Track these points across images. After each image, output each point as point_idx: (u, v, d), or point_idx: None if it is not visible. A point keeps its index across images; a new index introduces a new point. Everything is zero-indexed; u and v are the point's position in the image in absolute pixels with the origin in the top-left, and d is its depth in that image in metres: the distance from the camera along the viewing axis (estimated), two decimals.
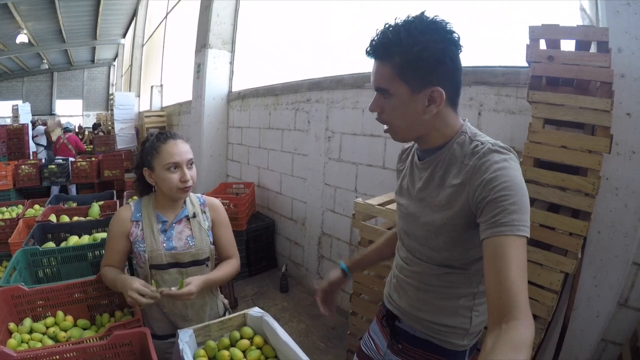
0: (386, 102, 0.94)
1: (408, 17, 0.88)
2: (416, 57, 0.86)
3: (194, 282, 1.31)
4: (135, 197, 1.57)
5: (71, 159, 6.02)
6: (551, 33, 1.65)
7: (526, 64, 1.78)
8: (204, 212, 1.52)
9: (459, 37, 0.88)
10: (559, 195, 1.58)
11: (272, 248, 4.24)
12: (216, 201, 1.58)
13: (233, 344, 1.34)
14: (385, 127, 1.00)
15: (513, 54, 2.15)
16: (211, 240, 1.50)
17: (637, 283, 1.83)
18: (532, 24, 1.67)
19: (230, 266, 1.53)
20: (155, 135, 1.41)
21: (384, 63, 0.90)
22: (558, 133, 1.64)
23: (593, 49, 1.66)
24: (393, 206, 1.98)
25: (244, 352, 1.30)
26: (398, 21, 0.88)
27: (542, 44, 1.68)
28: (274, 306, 3.39)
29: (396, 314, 1.17)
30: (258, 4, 4.88)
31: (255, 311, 1.40)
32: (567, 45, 1.69)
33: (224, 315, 1.55)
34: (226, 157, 5.36)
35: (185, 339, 1.23)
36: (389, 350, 1.20)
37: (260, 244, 4.08)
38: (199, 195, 1.57)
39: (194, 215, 1.48)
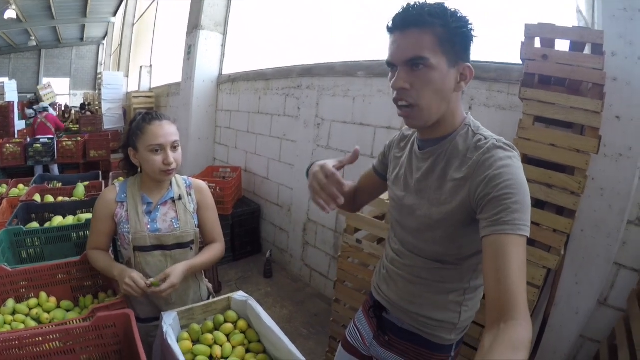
0: (419, 76, 0.87)
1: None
2: (457, 30, 0.86)
3: (173, 272, 1.30)
4: (122, 179, 1.55)
5: (52, 136, 5.91)
6: (547, 32, 1.65)
7: (519, 62, 1.78)
8: (190, 195, 1.50)
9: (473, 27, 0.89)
10: (545, 192, 1.60)
11: (257, 233, 4.24)
12: (202, 183, 1.57)
13: (217, 327, 1.34)
14: (404, 108, 0.91)
15: (506, 51, 2.15)
16: (196, 223, 1.49)
17: (617, 283, 1.87)
18: (528, 22, 1.67)
19: (214, 251, 1.52)
20: (141, 115, 1.39)
21: (425, 31, 0.85)
22: (547, 131, 1.65)
23: (587, 50, 1.68)
24: (381, 195, 1.98)
25: (227, 335, 1.31)
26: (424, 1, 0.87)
27: (537, 43, 1.69)
28: (257, 291, 3.39)
29: (384, 305, 1.16)
30: None
31: (240, 295, 1.41)
32: (561, 46, 1.70)
33: (208, 299, 1.54)
34: (214, 141, 5.32)
35: (169, 321, 1.23)
36: (375, 342, 1.20)
37: (246, 229, 4.07)
38: (185, 177, 1.56)
39: (180, 198, 1.46)
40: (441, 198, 0.94)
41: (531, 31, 1.66)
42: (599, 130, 1.54)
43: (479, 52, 2.19)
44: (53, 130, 6.65)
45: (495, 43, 2.25)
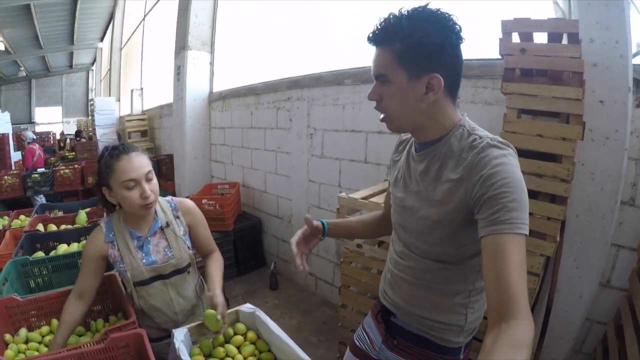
0: (385, 89, 0.93)
1: (411, 8, 0.88)
2: (416, 43, 0.85)
3: (215, 297, 1.32)
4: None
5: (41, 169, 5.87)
6: (523, 26, 1.69)
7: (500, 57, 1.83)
8: (177, 218, 1.48)
9: (460, 29, 0.87)
10: (536, 182, 1.63)
11: (260, 246, 4.25)
12: (188, 202, 1.54)
13: (227, 340, 1.36)
14: (382, 115, 0.98)
15: (488, 48, 2.19)
16: (189, 245, 1.48)
17: (618, 264, 1.90)
18: (504, 18, 1.71)
19: (219, 262, 1.54)
20: (107, 152, 1.32)
21: (385, 49, 0.90)
22: (533, 122, 1.69)
23: (565, 40, 1.72)
24: (376, 199, 2.01)
25: (238, 347, 1.32)
26: (401, 10, 0.88)
27: (515, 37, 1.72)
28: (264, 304, 3.40)
29: (391, 309, 1.17)
30: (236, 4, 4.85)
31: (247, 307, 1.42)
32: (541, 38, 1.74)
33: None
34: (210, 158, 5.34)
35: (181, 337, 1.24)
36: (384, 346, 1.20)
37: (248, 243, 4.08)
38: (169, 198, 1.52)
39: (167, 225, 1.44)
40: (438, 199, 0.95)
41: (508, 27, 1.70)
42: (582, 117, 1.58)
43: (462, 50, 2.27)
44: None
45: (478, 40, 2.29)
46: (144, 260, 1.39)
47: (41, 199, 5.43)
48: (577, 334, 2.00)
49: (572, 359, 2.07)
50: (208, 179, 5.34)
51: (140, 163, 1.30)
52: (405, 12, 0.87)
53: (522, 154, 1.70)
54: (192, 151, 5.17)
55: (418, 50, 0.86)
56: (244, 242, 4.04)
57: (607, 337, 1.84)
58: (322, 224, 1.28)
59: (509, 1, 2.25)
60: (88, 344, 1.24)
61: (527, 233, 0.80)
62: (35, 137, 6.80)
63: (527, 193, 0.83)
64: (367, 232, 1.40)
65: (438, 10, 0.87)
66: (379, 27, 0.90)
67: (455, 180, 0.91)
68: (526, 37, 1.71)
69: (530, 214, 1.61)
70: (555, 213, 1.58)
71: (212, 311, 1.27)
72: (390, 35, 0.88)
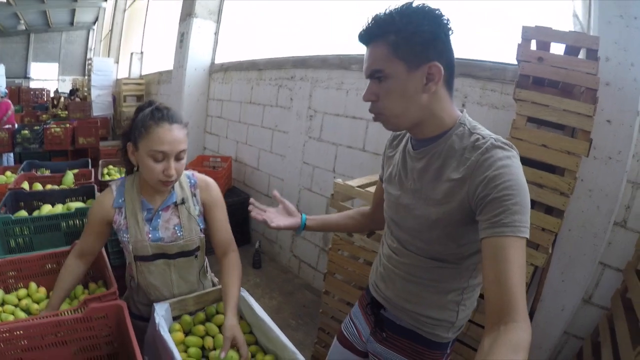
0: (381, 87, 0.90)
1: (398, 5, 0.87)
2: (412, 33, 0.84)
3: (235, 335, 1.16)
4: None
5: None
6: (544, 35, 1.67)
7: (513, 62, 1.80)
8: (195, 196, 1.37)
9: (448, 20, 0.86)
10: (536, 192, 1.62)
11: (247, 224, 4.23)
12: (209, 180, 1.42)
13: (209, 318, 1.35)
14: (373, 115, 0.97)
15: (501, 51, 2.17)
16: (201, 227, 1.38)
17: (602, 282, 1.92)
18: (523, 23, 1.68)
19: (237, 272, 1.36)
20: (151, 110, 1.21)
21: (378, 43, 0.88)
22: (540, 132, 1.67)
23: (582, 55, 1.70)
24: (372, 189, 1.99)
25: (219, 327, 1.31)
26: (389, 8, 0.87)
27: (533, 45, 1.70)
28: (246, 282, 3.39)
29: (382, 303, 1.16)
30: None
31: None
32: (556, 49, 1.71)
33: None
34: (204, 130, 5.29)
35: (162, 312, 1.23)
36: (372, 338, 1.20)
37: (235, 219, 3.97)
38: (190, 173, 1.40)
39: (183, 201, 1.34)
40: (438, 198, 0.93)
41: (528, 33, 1.67)
42: (590, 133, 1.57)
43: (473, 51, 2.24)
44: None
45: (491, 42, 2.26)
46: (149, 235, 1.30)
47: (8, 159, 5.27)
48: (554, 346, 2.03)
49: None
50: (201, 150, 5.30)
51: (178, 138, 1.20)
52: (394, 9, 0.86)
53: (524, 162, 1.70)
54: (188, 121, 5.06)
55: (414, 39, 0.85)
56: (231, 217, 3.88)
57: (583, 352, 1.87)
58: (301, 215, 1.32)
59: (525, 7, 2.21)
60: (66, 312, 1.21)
61: (529, 236, 0.80)
62: (7, 92, 6.49)
63: (529, 196, 0.82)
64: (354, 226, 1.39)
65: (425, 4, 0.86)
66: (370, 23, 0.89)
67: (456, 180, 0.89)
68: (544, 46, 1.69)
69: None
70: (551, 225, 1.57)
71: (234, 354, 1.15)
72: (384, 28, 0.87)
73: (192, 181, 1.38)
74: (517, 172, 0.83)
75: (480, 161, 0.85)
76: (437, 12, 0.86)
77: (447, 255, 0.98)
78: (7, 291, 1.44)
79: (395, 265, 1.10)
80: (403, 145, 1.08)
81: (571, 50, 1.67)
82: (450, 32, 0.87)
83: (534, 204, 1.66)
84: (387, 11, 0.87)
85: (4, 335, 1.04)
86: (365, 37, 0.91)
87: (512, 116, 1.72)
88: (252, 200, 1.36)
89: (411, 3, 0.86)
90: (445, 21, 0.86)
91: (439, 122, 0.93)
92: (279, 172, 3.82)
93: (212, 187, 1.42)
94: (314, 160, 3.36)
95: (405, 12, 0.85)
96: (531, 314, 1.92)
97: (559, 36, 1.65)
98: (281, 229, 1.27)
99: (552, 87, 1.71)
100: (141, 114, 1.21)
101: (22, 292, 1.44)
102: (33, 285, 1.46)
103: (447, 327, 1.07)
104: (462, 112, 0.96)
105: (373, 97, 0.93)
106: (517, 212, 0.79)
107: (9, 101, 6.29)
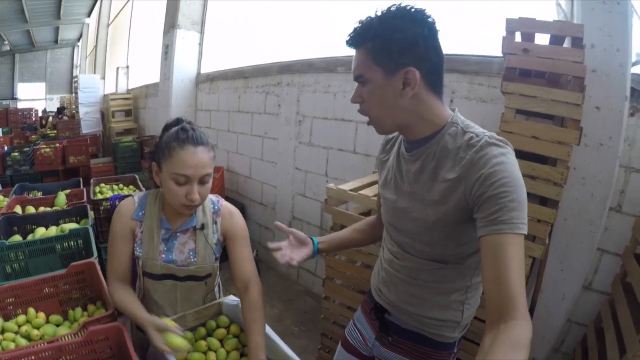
0: (364, 91, 0.93)
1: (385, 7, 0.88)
2: (388, 40, 0.85)
3: None
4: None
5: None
6: (527, 26, 1.67)
7: (499, 54, 1.80)
8: (215, 223, 1.32)
9: (434, 21, 0.86)
10: (529, 184, 1.62)
11: None
12: (234, 210, 1.37)
13: (210, 333, 1.33)
14: (368, 119, 0.98)
15: (486, 44, 2.18)
16: (217, 256, 1.34)
17: (601, 268, 1.94)
18: (508, 16, 1.69)
19: (260, 310, 1.24)
20: (176, 130, 1.16)
21: (360, 50, 0.91)
22: (529, 124, 1.68)
23: (566, 43, 1.71)
24: (365, 192, 1.98)
25: (220, 341, 1.29)
26: (375, 10, 0.88)
27: (518, 37, 1.71)
28: None
29: (386, 307, 1.16)
30: None
31: (231, 299, 1.39)
32: (541, 39, 1.72)
33: None
34: None
35: None
36: (378, 343, 1.19)
37: None
38: (216, 199, 1.35)
39: (202, 227, 1.29)
40: (435, 199, 0.93)
41: (512, 25, 1.68)
42: (580, 122, 1.57)
43: (459, 46, 2.25)
44: None
45: (477, 36, 2.27)
46: (162, 255, 1.26)
47: None
48: (557, 335, 2.03)
49: (551, 358, 2.10)
50: None
51: (202, 162, 1.15)
52: (378, 12, 0.88)
53: (516, 154, 1.70)
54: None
55: (390, 46, 0.86)
56: None
57: (587, 339, 1.87)
58: (312, 240, 1.26)
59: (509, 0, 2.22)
60: (66, 337, 1.20)
61: (526, 232, 0.80)
62: None
63: (526, 192, 0.83)
64: (364, 239, 1.36)
65: (409, 6, 0.87)
66: (353, 30, 0.91)
67: (452, 180, 0.89)
68: (528, 37, 1.70)
69: None
70: (546, 216, 1.58)
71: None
72: (363, 35, 0.89)
73: (216, 207, 1.34)
74: (513, 168, 0.83)
75: (475, 159, 0.85)
76: (419, 14, 0.86)
77: (448, 256, 0.98)
78: (7, 318, 1.41)
79: (397, 269, 1.10)
80: (396, 148, 1.07)
81: (556, 40, 1.68)
82: (434, 33, 0.88)
83: (528, 195, 1.64)
84: (369, 17, 0.88)
85: None
86: (350, 42, 0.93)
87: (500, 109, 1.73)
88: (271, 245, 1.22)
89: (397, 5, 0.87)
90: (430, 22, 0.86)
91: (429, 123, 0.94)
92: (271, 180, 3.81)
93: (236, 218, 1.36)
94: (305, 165, 3.36)
95: (385, 16, 0.86)
96: (532, 305, 1.92)
97: (543, 26, 1.66)
98: (301, 263, 1.20)
99: (539, 77, 1.72)
100: (166, 135, 1.18)
101: (22, 318, 1.41)
102: (32, 310, 1.43)
103: (452, 327, 1.07)
104: (453, 111, 0.96)
105: (359, 99, 0.96)
106: (514, 208, 0.79)
107: None
